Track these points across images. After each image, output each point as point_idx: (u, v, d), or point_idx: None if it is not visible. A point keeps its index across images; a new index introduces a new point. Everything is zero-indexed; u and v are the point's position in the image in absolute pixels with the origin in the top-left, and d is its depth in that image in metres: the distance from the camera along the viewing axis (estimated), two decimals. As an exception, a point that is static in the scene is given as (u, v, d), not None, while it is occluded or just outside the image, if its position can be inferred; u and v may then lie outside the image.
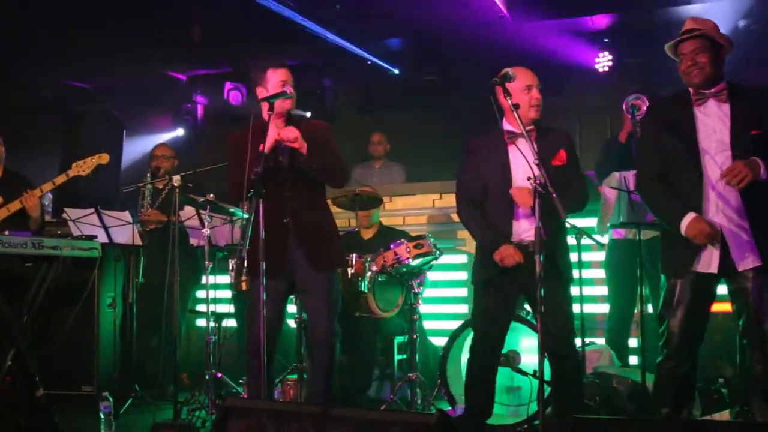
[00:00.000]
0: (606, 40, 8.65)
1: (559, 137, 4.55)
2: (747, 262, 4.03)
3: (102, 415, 5.25)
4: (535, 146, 4.28)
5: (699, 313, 4.18)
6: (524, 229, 4.51)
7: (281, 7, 7.96)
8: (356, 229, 6.51)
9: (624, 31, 8.58)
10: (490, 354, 4.66)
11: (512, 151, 4.51)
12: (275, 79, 4.76)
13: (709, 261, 4.07)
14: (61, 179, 5.92)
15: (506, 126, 4.57)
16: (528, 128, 4.39)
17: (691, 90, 4.19)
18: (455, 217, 7.35)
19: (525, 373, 5.26)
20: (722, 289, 4.26)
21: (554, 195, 3.91)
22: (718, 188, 4.07)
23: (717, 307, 4.29)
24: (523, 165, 4.35)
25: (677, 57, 4.23)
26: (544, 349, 3.95)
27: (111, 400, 5.40)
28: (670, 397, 4.25)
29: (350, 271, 5.67)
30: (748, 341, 4.12)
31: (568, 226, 4.90)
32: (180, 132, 10.31)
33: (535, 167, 4.04)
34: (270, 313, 4.51)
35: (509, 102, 4.22)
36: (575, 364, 4.65)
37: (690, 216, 4.06)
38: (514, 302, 4.71)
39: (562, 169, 4.44)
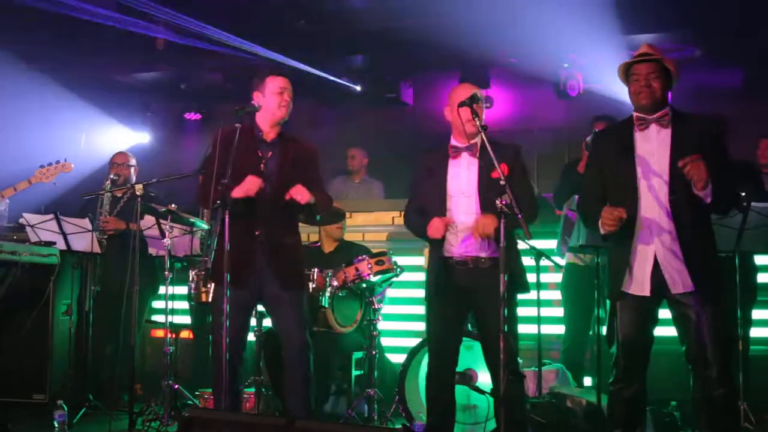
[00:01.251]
0: (565, 65, 8.77)
1: (504, 151, 4.48)
2: (679, 287, 4.08)
3: (56, 424, 5.20)
4: (478, 160, 4.48)
5: (641, 336, 4.22)
6: (464, 244, 4.56)
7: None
8: (318, 243, 6.52)
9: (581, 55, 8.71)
10: (443, 371, 4.69)
11: (453, 165, 4.63)
12: (273, 86, 4.75)
13: (642, 284, 4.14)
14: (23, 185, 5.88)
15: (452, 142, 4.68)
16: (471, 142, 4.55)
17: (634, 115, 4.26)
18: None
19: (482, 392, 5.32)
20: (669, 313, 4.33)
21: (519, 216, 3.98)
22: (652, 213, 4.12)
23: (669, 330, 4.36)
24: (461, 179, 4.55)
25: (627, 78, 4.28)
26: (506, 367, 4.00)
27: (66, 408, 5.35)
28: (620, 419, 4.29)
29: (311, 285, 5.63)
30: (691, 367, 4.18)
31: (527, 246, 4.98)
32: (146, 138, 10.22)
33: (473, 182, 4.40)
34: (234, 323, 4.51)
35: (477, 122, 4.31)
36: (521, 381, 4.70)
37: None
38: (462, 320, 4.73)
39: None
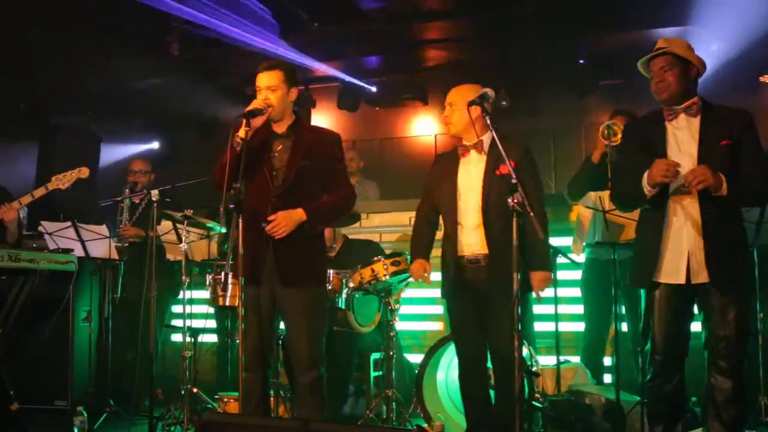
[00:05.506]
0: (581, 61, 8.74)
1: (512, 150, 4.46)
2: (700, 277, 4.11)
3: (76, 430, 5.23)
4: (486, 157, 4.54)
5: (677, 326, 4.22)
6: (474, 241, 4.58)
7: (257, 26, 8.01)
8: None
9: (599, 52, 8.68)
10: (474, 371, 4.68)
11: (463, 163, 4.69)
12: (257, 86, 4.54)
13: (676, 272, 4.15)
14: (40, 192, 5.92)
15: (461, 141, 4.74)
16: (478, 140, 4.61)
17: (663, 107, 4.29)
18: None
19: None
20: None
21: (531, 214, 3.97)
22: (681, 202, 4.15)
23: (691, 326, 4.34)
24: (470, 176, 4.60)
25: (649, 75, 4.32)
26: (521, 366, 3.99)
27: (85, 414, 5.38)
28: (661, 415, 4.31)
29: (327, 287, 5.61)
30: (707, 353, 4.19)
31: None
32: (155, 145, 10.28)
33: (479, 177, 4.39)
34: (257, 324, 4.45)
35: (487, 120, 4.31)
36: (529, 379, 4.69)
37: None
38: (481, 317, 4.67)
39: (506, 178, 4.37)
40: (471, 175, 4.64)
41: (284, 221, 4.40)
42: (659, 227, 4.20)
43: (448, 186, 4.70)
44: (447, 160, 4.81)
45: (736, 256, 4.17)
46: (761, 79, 7.04)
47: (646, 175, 4.13)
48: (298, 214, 4.43)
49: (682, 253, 4.15)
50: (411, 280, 5.89)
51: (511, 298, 4.12)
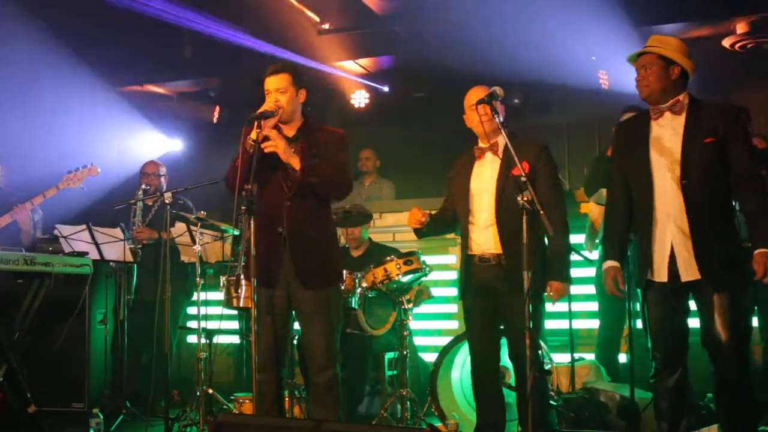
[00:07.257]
0: (593, 58, 8.70)
1: (528, 150, 4.51)
2: (689, 274, 4.08)
3: (93, 432, 5.27)
4: (500, 158, 4.50)
5: (667, 324, 4.20)
6: (484, 240, 4.57)
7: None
8: (345, 245, 6.53)
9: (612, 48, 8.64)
10: (485, 371, 4.68)
11: (478, 165, 4.68)
12: (265, 88, 4.57)
13: (660, 270, 4.15)
14: (51, 192, 5.98)
15: (478, 144, 4.74)
16: (493, 141, 4.60)
17: (650, 106, 4.29)
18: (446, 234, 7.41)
19: (514, 389, 5.29)
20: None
21: (542, 212, 3.97)
22: (666, 199, 4.14)
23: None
24: (483, 177, 4.60)
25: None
26: (533, 364, 3.99)
27: (101, 416, 5.41)
28: (664, 412, 4.29)
29: (341, 287, 5.63)
30: (707, 351, 4.16)
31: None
32: (178, 146, 10.31)
33: (493, 178, 4.34)
34: (272, 324, 4.47)
35: (497, 119, 4.30)
36: (543, 378, 4.68)
37: (606, 264, 4.38)
38: (494, 317, 4.66)
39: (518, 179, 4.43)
40: (484, 176, 4.62)
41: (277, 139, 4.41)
42: (648, 226, 4.20)
43: (461, 187, 4.71)
44: (463, 161, 4.80)
45: (728, 251, 4.11)
46: None
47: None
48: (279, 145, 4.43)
49: (665, 250, 4.14)
50: (424, 279, 5.93)
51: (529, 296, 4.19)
